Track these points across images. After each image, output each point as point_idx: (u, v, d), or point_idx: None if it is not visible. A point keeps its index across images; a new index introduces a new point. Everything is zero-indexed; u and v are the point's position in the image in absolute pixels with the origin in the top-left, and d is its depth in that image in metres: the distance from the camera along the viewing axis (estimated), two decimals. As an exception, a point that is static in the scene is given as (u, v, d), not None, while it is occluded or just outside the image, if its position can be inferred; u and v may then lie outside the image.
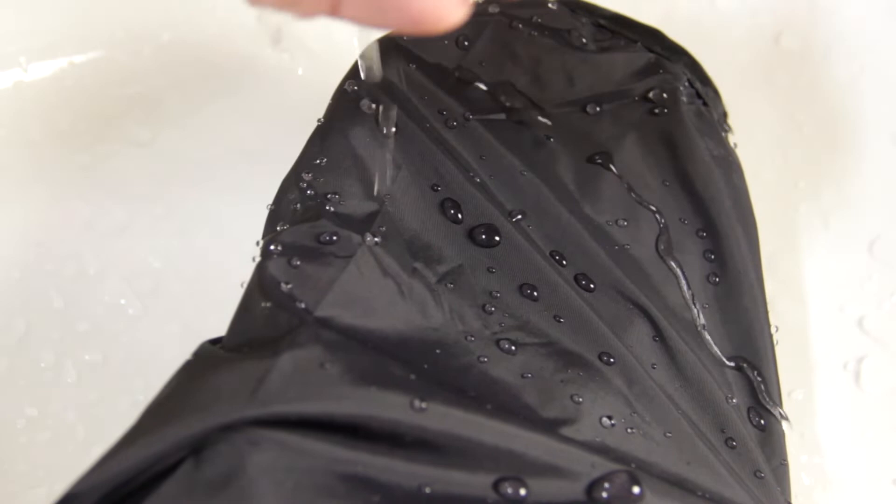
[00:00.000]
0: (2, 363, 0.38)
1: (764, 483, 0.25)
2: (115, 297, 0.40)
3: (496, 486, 0.19)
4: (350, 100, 0.27)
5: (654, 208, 0.28)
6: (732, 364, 0.27)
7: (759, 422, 0.27)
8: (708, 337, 0.27)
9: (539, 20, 0.30)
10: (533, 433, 0.20)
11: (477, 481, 0.19)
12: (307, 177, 0.25)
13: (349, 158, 0.25)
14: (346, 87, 0.27)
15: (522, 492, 0.19)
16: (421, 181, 0.26)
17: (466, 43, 0.29)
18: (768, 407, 0.27)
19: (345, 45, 0.47)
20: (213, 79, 0.43)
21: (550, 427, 0.21)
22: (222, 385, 0.19)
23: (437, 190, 0.26)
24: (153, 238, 0.41)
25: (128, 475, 0.18)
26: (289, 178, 0.26)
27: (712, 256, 0.28)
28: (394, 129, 0.26)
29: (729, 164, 0.30)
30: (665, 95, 0.30)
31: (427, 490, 0.19)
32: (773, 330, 0.29)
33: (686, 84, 0.31)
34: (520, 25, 0.30)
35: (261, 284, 0.22)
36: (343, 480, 0.18)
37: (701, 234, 0.28)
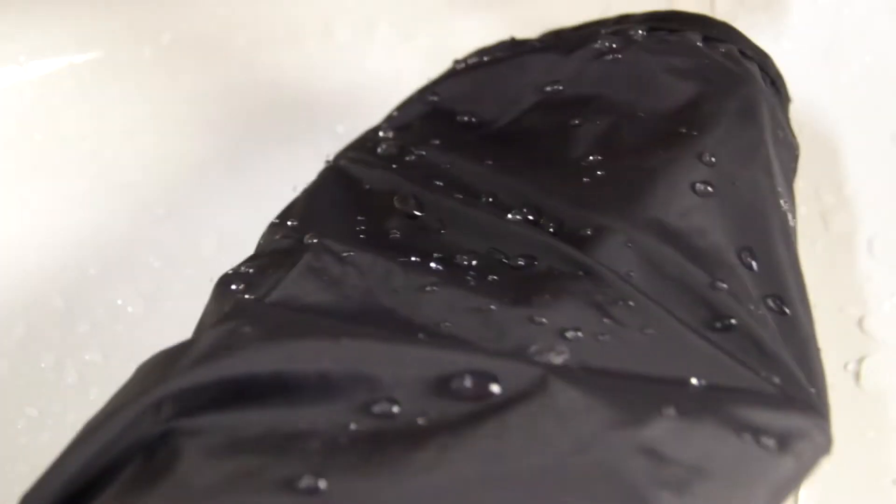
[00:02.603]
0: (2, 364, 0.38)
1: (776, 362, 0.23)
2: (115, 297, 0.40)
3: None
4: (326, 171, 0.29)
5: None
6: (735, 254, 0.25)
7: (781, 307, 0.25)
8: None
9: (490, 56, 0.33)
10: (474, 355, 0.20)
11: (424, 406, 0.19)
12: (292, 224, 0.27)
13: (322, 209, 0.27)
14: (330, 161, 0.30)
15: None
16: (389, 207, 0.27)
17: (435, 97, 0.32)
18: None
19: (345, 44, 0.47)
20: (213, 80, 0.43)
21: (512, 353, 0.21)
22: (145, 370, 0.20)
23: (400, 202, 0.27)
24: (153, 238, 0.41)
25: (71, 482, 0.18)
26: (273, 227, 0.28)
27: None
28: None
29: (702, 78, 0.29)
30: (614, 44, 0.30)
31: (360, 424, 0.19)
32: (787, 214, 0.27)
33: (641, 31, 0.30)
34: (475, 64, 0.33)
35: (214, 295, 0.23)
36: (287, 439, 0.18)
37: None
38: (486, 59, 0.32)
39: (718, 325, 0.23)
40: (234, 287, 0.22)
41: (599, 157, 0.27)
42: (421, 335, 0.21)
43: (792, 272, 0.26)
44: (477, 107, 0.31)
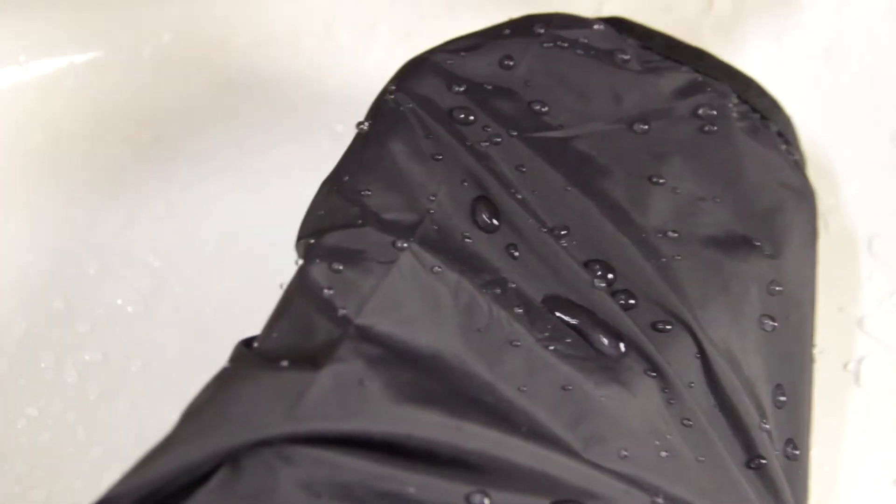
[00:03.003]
0: (2, 363, 0.38)
1: None
2: (115, 297, 0.40)
3: None
4: (390, 110, 0.27)
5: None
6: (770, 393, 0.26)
7: (794, 453, 0.26)
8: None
9: (585, 40, 0.30)
10: (564, 457, 0.20)
11: (515, 501, 0.19)
12: (348, 184, 0.25)
13: (391, 171, 0.26)
14: (385, 97, 0.28)
15: None
16: (463, 196, 0.26)
17: (511, 63, 0.29)
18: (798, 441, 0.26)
19: (345, 44, 0.47)
20: (213, 79, 0.43)
21: (583, 447, 0.21)
22: (259, 398, 0.19)
23: (477, 205, 0.26)
24: (153, 238, 0.41)
25: (162, 482, 0.18)
26: (328, 183, 0.26)
27: (777, 289, 0.27)
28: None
29: (783, 187, 0.29)
30: (714, 112, 0.29)
31: None
32: (813, 361, 0.28)
33: (736, 100, 0.30)
34: (565, 45, 0.30)
35: (301, 289, 0.22)
36: (380, 497, 0.18)
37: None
38: (582, 39, 0.30)
39: (754, 464, 0.24)
40: (326, 292, 0.22)
41: (676, 235, 0.27)
42: (524, 428, 0.21)
43: (808, 410, 0.27)
44: (551, 98, 0.29)
